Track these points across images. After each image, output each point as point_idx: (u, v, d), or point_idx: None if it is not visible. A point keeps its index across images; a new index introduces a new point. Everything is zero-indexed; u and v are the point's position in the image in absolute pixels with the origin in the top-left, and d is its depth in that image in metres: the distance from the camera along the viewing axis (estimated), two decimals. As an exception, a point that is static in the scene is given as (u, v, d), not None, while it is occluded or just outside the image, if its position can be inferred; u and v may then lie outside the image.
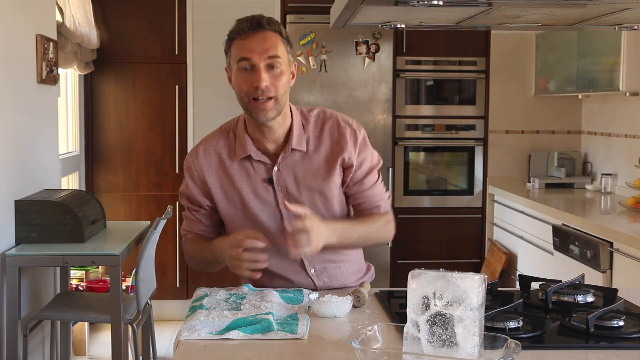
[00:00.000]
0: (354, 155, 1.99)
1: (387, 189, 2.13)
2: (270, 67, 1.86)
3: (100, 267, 4.26)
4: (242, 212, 2.00)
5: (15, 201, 3.12)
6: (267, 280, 2.04)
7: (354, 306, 1.78)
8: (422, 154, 5.07)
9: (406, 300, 1.37)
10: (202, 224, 2.07)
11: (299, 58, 4.71)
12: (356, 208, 2.09)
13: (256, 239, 1.80)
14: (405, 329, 1.36)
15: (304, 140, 1.98)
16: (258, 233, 1.83)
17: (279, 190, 1.98)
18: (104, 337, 4.38)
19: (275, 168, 1.97)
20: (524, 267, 4.35)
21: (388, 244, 2.18)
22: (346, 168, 2.01)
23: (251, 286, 1.94)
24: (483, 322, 1.32)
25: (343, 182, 2.03)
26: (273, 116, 1.89)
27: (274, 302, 1.77)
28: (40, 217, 3.11)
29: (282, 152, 1.96)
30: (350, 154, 1.99)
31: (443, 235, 5.03)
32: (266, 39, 1.86)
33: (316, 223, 1.78)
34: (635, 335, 1.58)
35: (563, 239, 3.69)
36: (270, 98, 1.86)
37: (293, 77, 1.96)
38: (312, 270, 2.04)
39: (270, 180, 1.97)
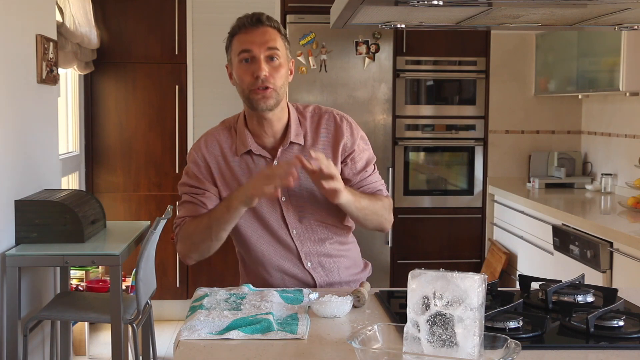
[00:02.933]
0: (352, 142, 2.06)
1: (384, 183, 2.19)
2: (270, 58, 1.95)
3: (100, 267, 4.26)
4: None
5: (15, 201, 3.12)
6: (264, 272, 2.08)
7: (354, 306, 1.78)
8: (422, 154, 5.07)
9: (406, 300, 1.37)
10: (205, 207, 2.04)
11: (299, 58, 4.71)
12: None
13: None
14: (405, 329, 1.36)
15: (302, 134, 2.05)
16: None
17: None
18: (104, 337, 4.38)
19: (275, 162, 2.02)
20: (524, 267, 4.35)
21: (388, 231, 2.22)
22: (347, 155, 2.06)
23: (251, 286, 1.94)
24: (483, 322, 1.32)
25: (343, 171, 2.07)
26: (272, 105, 1.96)
27: (274, 302, 1.77)
28: (40, 217, 3.11)
29: (281, 145, 2.02)
30: (348, 140, 2.06)
31: (443, 235, 5.03)
32: (265, 33, 1.95)
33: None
34: (635, 335, 1.58)
35: (563, 239, 3.69)
36: (269, 88, 1.94)
37: (291, 73, 2.03)
38: (309, 264, 2.07)
39: None
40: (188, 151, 4.67)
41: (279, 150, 2.02)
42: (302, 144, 2.04)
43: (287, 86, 2.01)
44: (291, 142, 2.02)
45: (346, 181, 2.07)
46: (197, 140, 2.11)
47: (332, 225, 2.10)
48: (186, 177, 2.08)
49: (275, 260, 2.07)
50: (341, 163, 2.06)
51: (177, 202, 2.19)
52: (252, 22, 1.96)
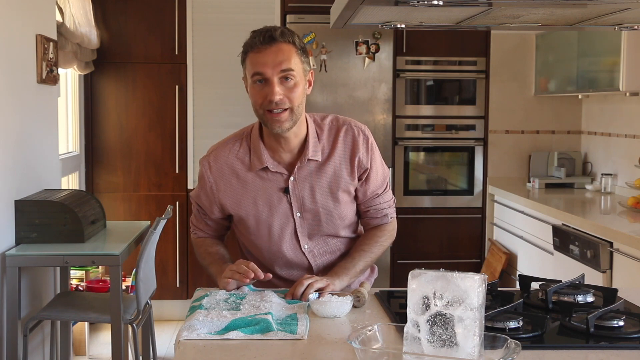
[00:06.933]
0: (367, 160, 2.03)
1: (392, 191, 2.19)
2: (284, 79, 1.88)
3: (100, 267, 4.26)
4: (255, 220, 2.03)
5: (15, 201, 3.12)
6: (276, 285, 2.08)
7: (354, 306, 1.78)
8: (422, 154, 5.07)
9: (406, 300, 1.37)
10: (210, 227, 2.14)
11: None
12: (364, 215, 2.13)
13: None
14: (405, 329, 1.36)
15: (319, 150, 2.00)
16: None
17: (295, 199, 2.00)
18: (104, 337, 4.38)
19: (292, 178, 1.99)
20: (524, 267, 4.35)
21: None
22: (362, 172, 2.04)
23: (252, 286, 1.94)
24: (483, 322, 1.32)
25: (356, 189, 2.06)
26: (288, 127, 1.91)
27: (273, 302, 1.77)
28: (40, 217, 3.11)
29: (298, 162, 1.98)
30: (364, 157, 2.02)
31: (443, 235, 5.03)
32: (279, 52, 1.87)
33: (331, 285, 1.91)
34: (635, 335, 1.58)
35: (563, 239, 3.69)
36: (285, 109, 1.89)
37: (310, 85, 1.98)
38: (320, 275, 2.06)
39: (285, 190, 2.00)
40: (190, 153, 4.71)
41: (296, 166, 1.98)
42: (320, 159, 2.00)
43: (304, 102, 1.94)
44: (309, 159, 1.98)
45: (356, 198, 2.08)
46: (207, 155, 2.06)
47: (345, 237, 2.11)
48: (196, 193, 2.10)
49: (285, 275, 2.08)
50: (357, 179, 2.04)
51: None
52: (265, 39, 1.87)
